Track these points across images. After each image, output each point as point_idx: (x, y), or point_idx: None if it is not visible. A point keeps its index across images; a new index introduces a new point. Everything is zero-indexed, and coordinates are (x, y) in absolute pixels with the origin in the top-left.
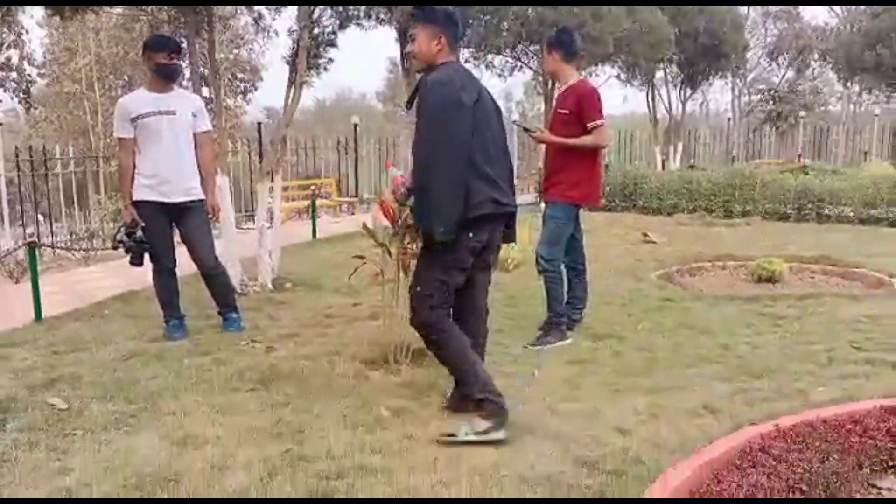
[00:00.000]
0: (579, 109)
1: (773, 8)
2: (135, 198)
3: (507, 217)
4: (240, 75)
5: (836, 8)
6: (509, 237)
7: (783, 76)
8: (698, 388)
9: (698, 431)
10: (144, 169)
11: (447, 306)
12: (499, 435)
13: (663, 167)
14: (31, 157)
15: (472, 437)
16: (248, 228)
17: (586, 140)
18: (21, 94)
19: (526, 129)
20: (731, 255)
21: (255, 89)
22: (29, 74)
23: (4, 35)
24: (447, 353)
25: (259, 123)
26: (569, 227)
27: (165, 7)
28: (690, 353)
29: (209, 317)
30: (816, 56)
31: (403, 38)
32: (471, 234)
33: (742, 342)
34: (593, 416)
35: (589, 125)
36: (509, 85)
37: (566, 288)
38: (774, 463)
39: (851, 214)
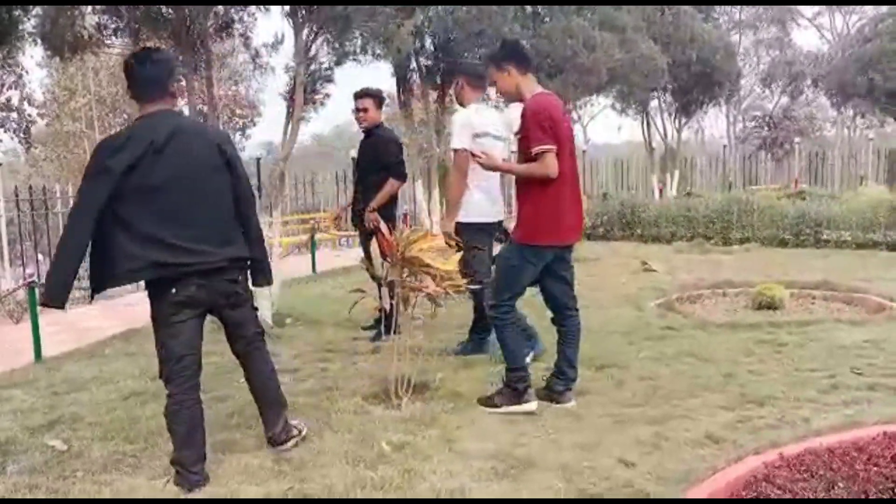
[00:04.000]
0: (525, 131)
1: (764, 35)
2: None
3: (201, 274)
4: (238, 111)
5: (828, 34)
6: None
7: (777, 102)
8: (701, 417)
9: (702, 462)
10: None
11: (174, 364)
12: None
13: (660, 195)
14: (31, 196)
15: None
16: None
17: (531, 169)
18: (21, 134)
19: (473, 155)
20: (730, 282)
21: (254, 125)
22: (29, 114)
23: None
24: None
25: (258, 159)
26: (523, 269)
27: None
28: (692, 381)
29: (207, 353)
30: (809, 82)
31: (400, 72)
32: (174, 290)
33: (744, 370)
34: (596, 447)
35: (533, 150)
36: (507, 115)
37: (526, 341)
38: (779, 493)
39: (849, 239)
